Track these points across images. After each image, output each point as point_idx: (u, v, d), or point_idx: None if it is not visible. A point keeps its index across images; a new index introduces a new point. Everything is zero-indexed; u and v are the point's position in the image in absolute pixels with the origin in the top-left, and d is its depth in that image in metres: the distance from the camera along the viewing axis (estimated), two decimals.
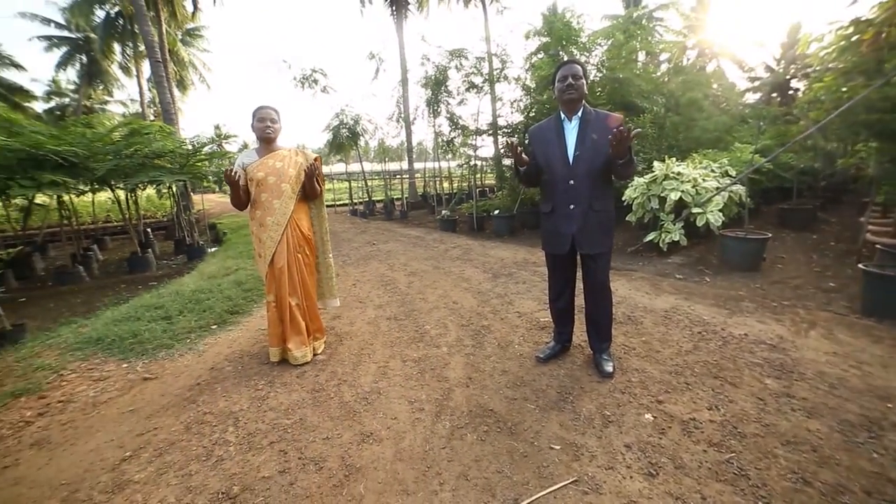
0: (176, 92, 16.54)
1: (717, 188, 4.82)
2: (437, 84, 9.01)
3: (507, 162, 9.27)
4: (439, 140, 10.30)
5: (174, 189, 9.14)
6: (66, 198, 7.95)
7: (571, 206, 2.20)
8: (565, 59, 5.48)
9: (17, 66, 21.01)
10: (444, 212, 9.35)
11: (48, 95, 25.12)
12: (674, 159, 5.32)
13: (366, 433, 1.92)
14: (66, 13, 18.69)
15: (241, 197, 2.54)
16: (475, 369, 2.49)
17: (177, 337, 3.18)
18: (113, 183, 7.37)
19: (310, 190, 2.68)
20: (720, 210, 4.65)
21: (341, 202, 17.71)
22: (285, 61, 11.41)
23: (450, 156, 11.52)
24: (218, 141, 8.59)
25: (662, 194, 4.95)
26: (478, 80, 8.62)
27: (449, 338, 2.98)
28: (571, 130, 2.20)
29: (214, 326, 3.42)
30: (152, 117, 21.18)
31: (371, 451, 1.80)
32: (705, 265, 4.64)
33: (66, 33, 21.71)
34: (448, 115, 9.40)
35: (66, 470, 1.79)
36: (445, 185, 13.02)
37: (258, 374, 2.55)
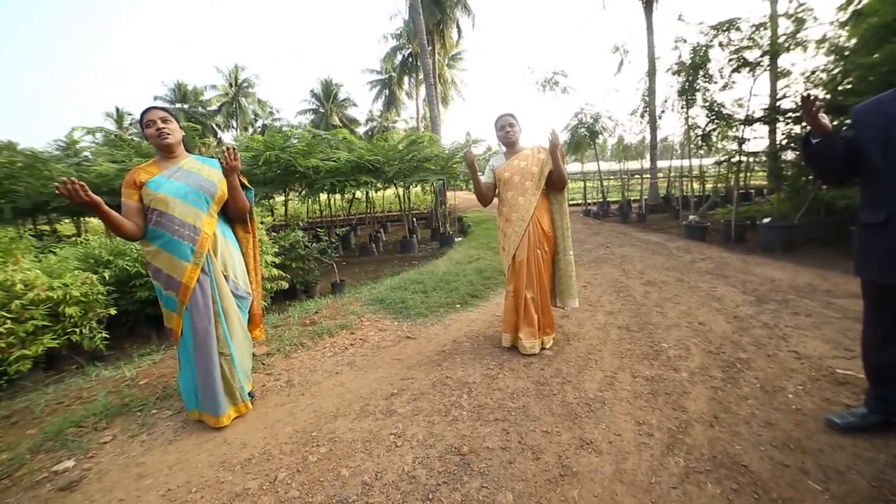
0: (440, 107, 20.19)
1: None
2: (694, 68, 7.64)
3: (789, 157, 7.03)
4: (692, 134, 8.77)
5: (434, 187, 11.15)
6: (370, 193, 10.94)
7: None
8: None
9: (354, 105, 33.45)
10: (691, 216, 7.92)
11: (366, 122, 35.65)
12: None
13: (585, 440, 1.88)
14: (382, 62, 25.86)
15: (483, 190, 2.84)
16: (724, 408, 2.05)
17: (430, 309, 3.91)
18: (396, 182, 9.61)
19: (557, 175, 2.72)
20: None
21: (574, 202, 17.55)
22: (529, 67, 12.13)
23: (702, 151, 9.65)
24: (468, 146, 9.94)
25: None
26: (753, 54, 6.80)
27: (691, 363, 2.56)
28: None
29: (458, 305, 4.02)
30: (422, 130, 26.53)
31: (589, 459, 1.75)
32: None
33: (378, 76, 30.01)
34: (706, 104, 7.86)
35: (361, 388, 2.50)
36: (695, 185, 10.97)
37: (490, 354, 2.85)
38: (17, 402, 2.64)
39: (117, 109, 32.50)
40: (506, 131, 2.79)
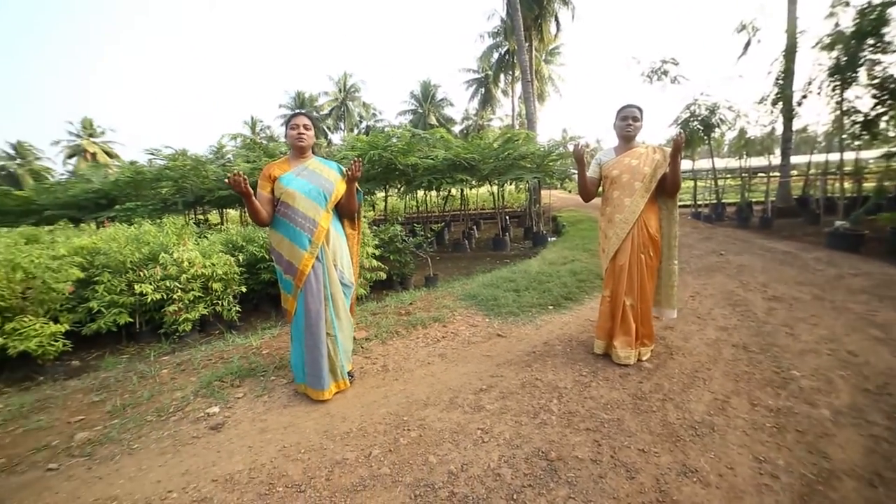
0: (536, 104, 19.59)
1: None
2: (859, 36, 6.25)
3: None
4: (847, 121, 7.23)
5: (529, 185, 10.92)
6: (465, 190, 11.13)
7: None
8: None
9: (451, 104, 34.65)
10: (838, 222, 6.50)
11: (461, 120, 36.34)
12: None
13: (689, 467, 1.70)
14: (478, 61, 26.13)
15: (587, 185, 2.69)
16: (891, 466, 1.68)
17: (522, 308, 3.86)
18: (490, 179, 9.63)
19: (672, 180, 2.50)
20: None
21: (682, 203, 15.76)
22: (633, 57, 11.13)
23: (859, 143, 7.89)
24: (564, 143, 9.54)
25: None
26: None
27: (836, 399, 2.15)
28: None
29: (551, 307, 3.91)
30: (517, 127, 26.12)
31: (693, 490, 1.58)
32: None
33: (475, 75, 30.36)
34: (874, 81, 6.39)
35: (451, 379, 2.58)
36: (846, 184, 8.97)
37: (583, 360, 2.73)
38: (183, 353, 3.30)
39: (252, 118, 37.83)
40: (627, 123, 2.57)
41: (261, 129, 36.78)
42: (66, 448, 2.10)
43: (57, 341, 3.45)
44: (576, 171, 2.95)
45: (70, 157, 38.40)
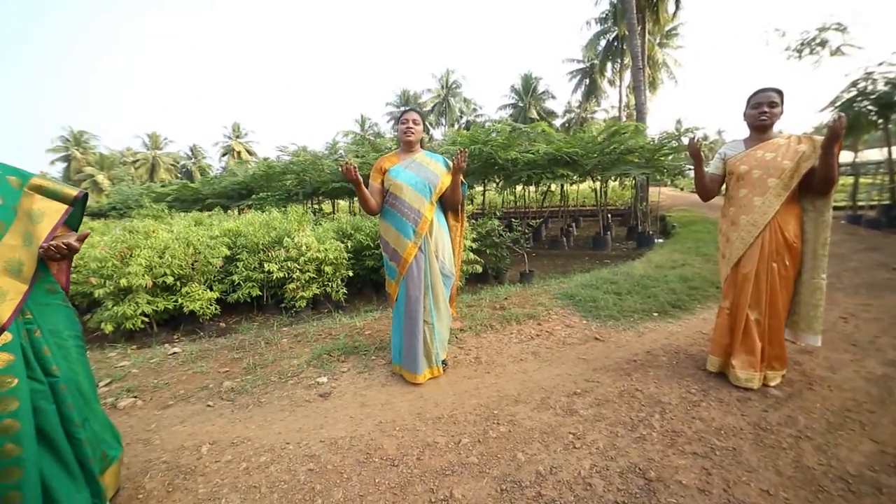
0: (647, 93, 17.63)
1: None
2: None
3: None
4: None
5: (636, 181, 10.05)
6: (565, 186, 10.68)
7: None
8: None
9: (552, 97, 33.42)
10: None
11: (563, 113, 34.76)
12: None
13: None
14: (583, 50, 24.49)
15: (706, 182, 2.40)
16: None
17: (623, 312, 3.59)
18: (593, 175, 9.07)
19: (824, 175, 2.06)
20: None
21: (835, 205, 12.95)
22: (777, 29, 9.29)
23: None
24: (678, 136, 8.46)
25: None
26: None
27: None
28: None
29: (655, 314, 3.58)
30: (624, 119, 23.97)
31: None
32: None
33: (579, 66, 28.64)
34: None
35: (544, 379, 2.53)
36: None
37: (692, 376, 2.45)
38: (299, 326, 3.76)
39: (361, 116, 41.06)
40: (761, 111, 2.18)
41: (369, 127, 39.68)
42: (217, 392, 2.58)
43: (211, 306, 4.22)
44: (691, 167, 2.61)
45: (223, 155, 46.73)
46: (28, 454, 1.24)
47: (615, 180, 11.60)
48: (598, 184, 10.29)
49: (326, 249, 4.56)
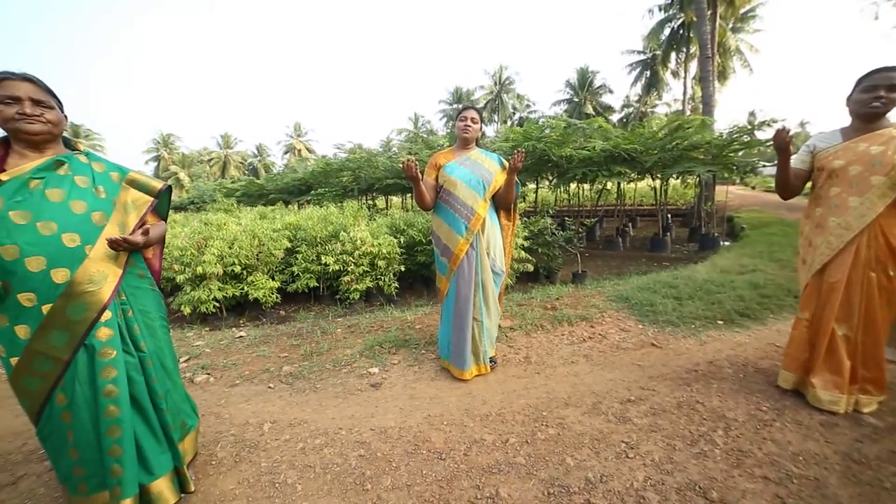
0: (716, 84, 16.07)
1: None
2: None
3: None
4: None
5: (701, 179, 9.35)
6: (622, 184, 10.20)
7: None
8: None
9: (610, 91, 32.21)
10: None
11: (621, 108, 33.16)
12: None
13: None
14: (644, 40, 22.94)
15: (790, 179, 2.09)
16: None
17: (683, 319, 3.38)
18: (653, 173, 8.57)
19: None
20: None
21: None
22: (873, 2, 8.14)
23: None
24: (752, 129, 7.72)
25: None
26: None
27: None
28: None
29: (720, 322, 3.33)
30: (688, 112, 22.22)
31: None
32: None
33: (639, 57, 26.81)
34: None
35: (596, 383, 2.45)
36: None
37: (762, 392, 2.25)
38: (352, 318, 3.92)
39: (415, 114, 41.79)
40: (876, 95, 1.85)
41: (422, 124, 40.27)
42: (277, 375, 2.76)
43: (273, 294, 4.51)
44: (765, 164, 2.32)
45: (285, 153, 50.04)
46: (125, 416, 1.42)
47: (677, 178, 10.87)
48: (657, 182, 9.71)
49: (380, 244, 4.70)
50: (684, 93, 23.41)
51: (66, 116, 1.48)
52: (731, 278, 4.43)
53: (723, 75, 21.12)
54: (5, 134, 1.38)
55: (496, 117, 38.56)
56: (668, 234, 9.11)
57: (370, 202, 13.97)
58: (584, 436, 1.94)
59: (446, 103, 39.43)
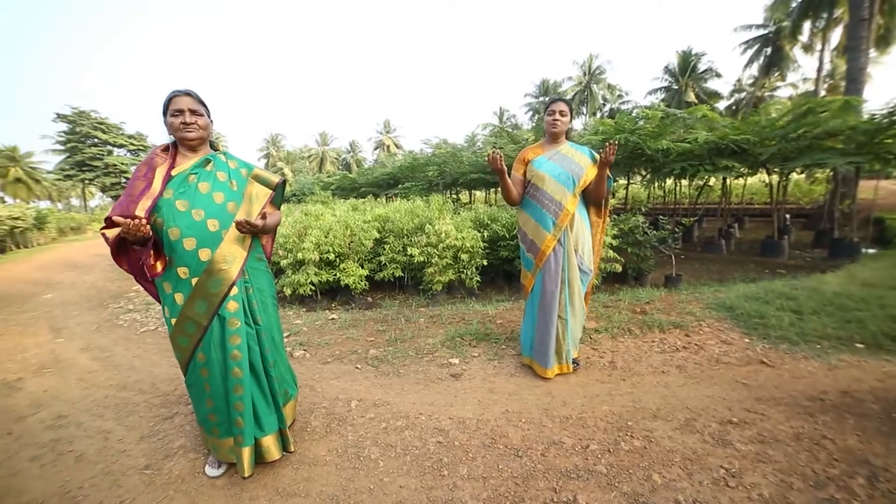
0: (871, 52, 12.60)
1: None
2: None
3: None
4: None
5: (835, 173, 7.89)
6: (728, 180, 9.05)
7: None
8: None
9: (718, 75, 27.88)
10: None
11: (730, 94, 28.90)
12: None
13: None
14: (766, 11, 19.61)
15: None
16: None
17: (804, 336, 2.91)
18: (769, 166, 7.46)
19: None
20: None
21: None
22: None
23: None
24: None
25: None
26: None
27: None
28: None
29: (859, 345, 2.80)
30: (823, 93, 18.68)
31: None
32: None
33: (758, 32, 22.96)
34: None
35: (690, 398, 2.23)
36: None
37: None
38: (435, 308, 4.07)
39: (500, 108, 41.36)
40: None
41: (507, 118, 39.76)
42: (364, 357, 2.98)
43: (362, 281, 4.83)
44: None
45: (375, 148, 53.40)
46: (246, 378, 1.67)
47: (801, 173, 9.32)
48: (774, 177, 8.43)
49: (464, 238, 4.77)
50: (819, 69, 19.58)
51: (212, 121, 1.76)
52: (878, 294, 3.68)
53: (884, 40, 16.74)
54: (174, 140, 1.71)
55: (585, 109, 36.51)
56: (786, 237, 7.88)
57: (454, 196, 14.22)
58: (675, 453, 1.79)
59: (532, 96, 38.37)
